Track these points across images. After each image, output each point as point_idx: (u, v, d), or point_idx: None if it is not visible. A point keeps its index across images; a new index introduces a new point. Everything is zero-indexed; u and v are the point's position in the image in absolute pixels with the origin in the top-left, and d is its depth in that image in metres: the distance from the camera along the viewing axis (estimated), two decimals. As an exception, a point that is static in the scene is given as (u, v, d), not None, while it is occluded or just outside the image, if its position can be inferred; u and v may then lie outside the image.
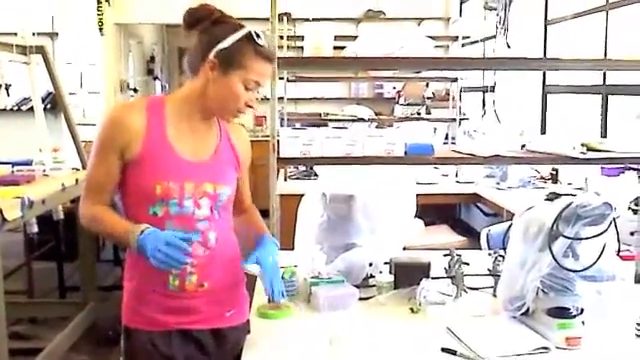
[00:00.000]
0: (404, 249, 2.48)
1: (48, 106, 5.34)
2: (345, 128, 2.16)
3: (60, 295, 4.71)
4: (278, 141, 2.17)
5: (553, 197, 1.99)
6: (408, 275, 2.25)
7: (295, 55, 6.12)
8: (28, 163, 4.10)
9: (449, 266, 2.38)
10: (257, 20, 7.96)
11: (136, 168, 1.79)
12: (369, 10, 8.32)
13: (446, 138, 5.61)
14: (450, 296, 2.16)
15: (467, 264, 2.31)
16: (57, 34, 8.14)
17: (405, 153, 2.18)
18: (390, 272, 2.31)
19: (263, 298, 2.11)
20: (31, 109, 7.04)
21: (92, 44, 8.05)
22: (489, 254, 2.42)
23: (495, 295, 2.25)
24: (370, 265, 2.35)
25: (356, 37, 3.90)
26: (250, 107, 1.81)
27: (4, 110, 7.71)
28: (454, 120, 5.47)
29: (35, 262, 4.76)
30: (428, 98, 7.26)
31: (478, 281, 2.36)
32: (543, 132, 5.46)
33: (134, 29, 9.16)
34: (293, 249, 2.51)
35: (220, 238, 1.87)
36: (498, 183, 4.78)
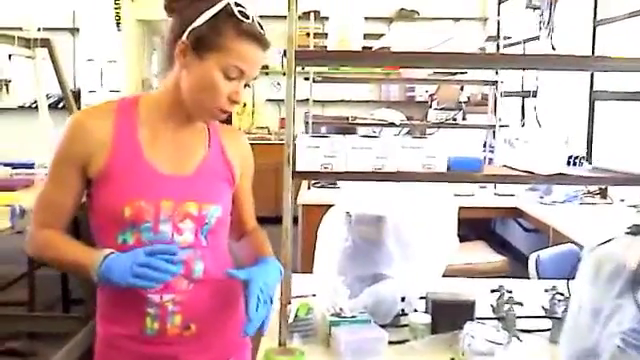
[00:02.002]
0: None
1: (62, 104, 5.04)
2: (375, 137, 1.78)
3: (64, 308, 4.38)
4: (294, 148, 1.79)
5: (636, 231, 1.59)
6: (449, 316, 1.87)
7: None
8: (30, 165, 3.80)
9: (497, 305, 1.99)
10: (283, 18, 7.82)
11: (102, 185, 1.45)
12: (402, 9, 7.92)
13: (484, 146, 5.20)
14: (500, 344, 1.77)
15: (520, 304, 1.92)
16: (78, 30, 7.88)
17: (448, 168, 1.79)
18: (427, 311, 1.93)
19: (271, 340, 1.76)
20: (50, 106, 6.85)
21: (113, 41, 7.76)
22: (546, 290, 2.02)
23: (554, 341, 1.86)
24: (402, 300, 1.97)
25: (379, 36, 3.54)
26: (234, 103, 1.45)
27: (17, 108, 7.59)
28: (493, 127, 5.05)
29: (40, 270, 4.43)
30: (463, 102, 6.85)
31: (532, 321, 1.97)
32: (590, 142, 5.02)
33: (158, 26, 8.85)
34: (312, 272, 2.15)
35: (209, 269, 1.52)
36: (541, 197, 4.36)
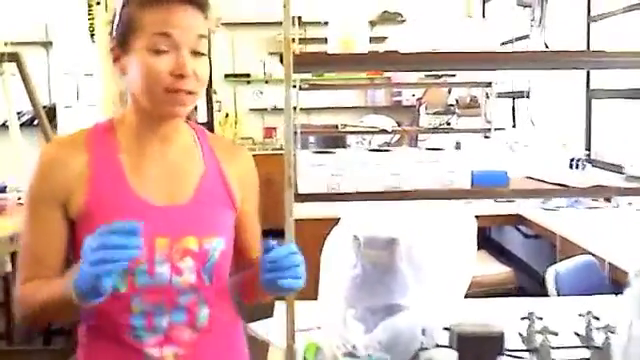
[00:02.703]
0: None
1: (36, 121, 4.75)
2: (387, 150, 1.56)
3: (44, 341, 4.10)
4: (295, 163, 1.56)
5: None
6: (476, 349, 1.66)
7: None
8: (2, 189, 3.54)
9: (528, 334, 1.78)
10: (270, 25, 7.61)
11: (85, 227, 1.22)
12: (385, 12, 7.72)
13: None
14: (537, 383, 1.56)
15: (555, 334, 1.70)
16: (51, 43, 7.60)
17: (471, 184, 1.57)
18: (451, 345, 1.71)
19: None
20: (24, 124, 6.57)
21: (89, 53, 7.49)
22: (580, 315, 1.80)
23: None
24: (423, 333, 1.75)
25: (373, 39, 3.33)
26: (181, 77, 1.21)
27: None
28: (487, 130, 4.85)
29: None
30: (450, 105, 6.65)
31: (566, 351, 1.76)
32: (588, 143, 4.84)
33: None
34: (316, 299, 1.92)
35: (215, 314, 1.30)
36: (543, 202, 4.16)
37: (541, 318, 1.79)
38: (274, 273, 1.21)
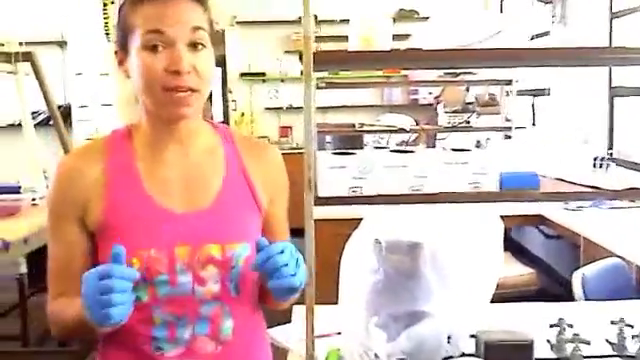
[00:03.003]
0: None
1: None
2: (411, 151, 1.49)
3: (59, 343, 4.07)
4: (315, 165, 1.49)
5: None
6: (504, 358, 1.59)
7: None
8: (16, 189, 3.50)
9: (558, 342, 1.71)
10: (286, 23, 7.55)
11: (104, 238, 1.19)
12: (401, 9, 7.64)
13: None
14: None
15: (588, 343, 1.63)
16: (66, 43, 7.58)
17: (500, 187, 1.50)
18: (477, 353, 1.65)
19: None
20: (40, 124, 6.57)
21: (104, 53, 7.47)
22: (612, 322, 1.73)
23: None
24: (448, 341, 1.68)
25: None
26: (176, 73, 1.15)
27: (6, 126, 7.31)
28: (508, 129, 4.76)
29: (36, 297, 4.12)
30: (468, 104, 6.56)
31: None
32: (611, 142, 4.74)
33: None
34: (336, 303, 1.86)
35: (240, 325, 1.24)
36: (566, 202, 4.07)
37: (571, 325, 1.72)
38: (264, 276, 1.15)
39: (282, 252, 1.13)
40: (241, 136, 1.36)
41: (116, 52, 1.23)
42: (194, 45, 1.18)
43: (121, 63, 1.23)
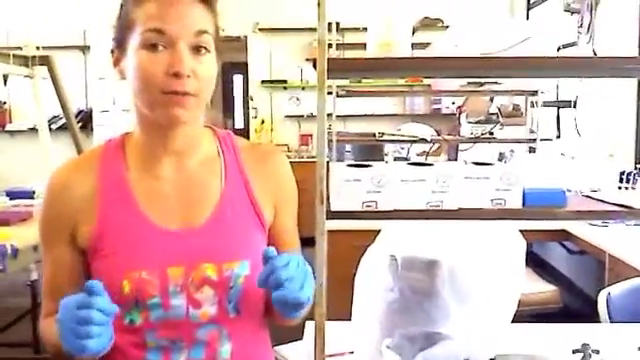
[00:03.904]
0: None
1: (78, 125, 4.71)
2: (429, 164, 1.40)
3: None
4: (329, 176, 1.42)
5: None
6: (525, 386, 1.49)
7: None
8: (30, 194, 3.47)
9: (583, 369, 1.61)
10: (307, 30, 7.50)
11: (95, 257, 1.12)
12: (425, 17, 7.55)
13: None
14: None
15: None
16: (88, 47, 7.59)
17: (523, 204, 1.41)
18: (496, 380, 1.56)
19: None
20: (60, 128, 6.57)
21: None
22: (639, 349, 1.63)
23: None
24: (465, 365, 1.59)
25: (414, 45, 3.15)
26: (176, 76, 1.08)
27: (26, 130, 7.33)
28: (533, 141, 4.64)
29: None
30: (492, 114, 6.44)
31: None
32: (638, 156, 4.61)
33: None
34: (349, 319, 1.77)
35: (239, 349, 1.17)
36: (591, 217, 3.96)
37: (597, 351, 1.62)
38: (268, 292, 1.06)
39: (287, 265, 1.05)
40: (244, 143, 1.28)
41: (112, 51, 1.16)
42: (197, 49, 1.11)
43: (117, 63, 1.16)
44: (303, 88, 7.95)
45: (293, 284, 1.04)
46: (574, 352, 1.63)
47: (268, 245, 1.24)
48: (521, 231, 3.80)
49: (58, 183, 1.16)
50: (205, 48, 1.12)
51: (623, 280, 2.59)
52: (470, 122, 5.53)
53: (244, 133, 7.96)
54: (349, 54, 6.53)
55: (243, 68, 8.19)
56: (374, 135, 4.59)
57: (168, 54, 1.08)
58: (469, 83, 5.22)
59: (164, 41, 1.08)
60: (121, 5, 1.15)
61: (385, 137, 4.65)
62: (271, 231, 1.27)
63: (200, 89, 1.11)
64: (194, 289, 1.12)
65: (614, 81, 4.53)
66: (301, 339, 1.96)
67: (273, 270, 1.04)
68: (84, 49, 7.67)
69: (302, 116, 7.96)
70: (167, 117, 1.10)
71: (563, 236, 4.04)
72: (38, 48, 3.54)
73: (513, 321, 1.76)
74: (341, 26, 7.09)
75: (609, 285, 2.56)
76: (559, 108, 5.88)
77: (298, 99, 8.01)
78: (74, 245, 1.15)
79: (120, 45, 1.14)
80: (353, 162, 1.46)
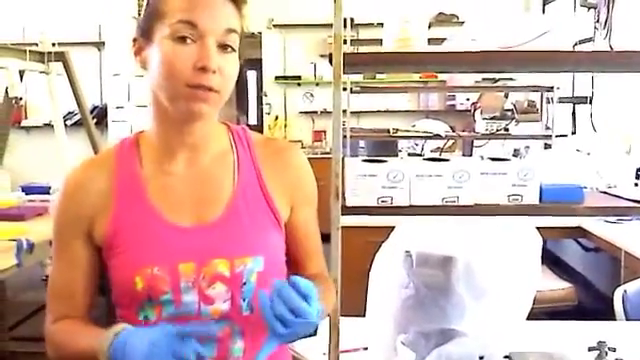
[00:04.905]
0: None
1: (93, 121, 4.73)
2: (445, 160, 1.40)
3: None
4: (344, 172, 1.41)
5: None
6: (541, 383, 1.48)
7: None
8: (46, 190, 3.48)
9: (599, 367, 1.60)
10: (321, 26, 7.49)
11: (111, 254, 1.12)
12: (440, 13, 7.52)
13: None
14: None
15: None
16: (104, 44, 7.62)
17: (540, 199, 1.40)
18: (512, 377, 1.55)
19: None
20: (75, 124, 6.60)
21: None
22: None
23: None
24: (480, 362, 1.58)
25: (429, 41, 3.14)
26: (203, 70, 1.07)
27: (42, 126, 7.37)
28: (548, 137, 4.61)
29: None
30: (507, 110, 6.41)
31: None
32: (655, 152, 4.58)
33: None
34: (364, 315, 1.77)
35: (252, 346, 1.15)
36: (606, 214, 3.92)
37: (614, 349, 1.61)
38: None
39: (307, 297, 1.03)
40: (259, 139, 1.28)
41: (135, 39, 1.16)
42: (224, 46, 1.11)
43: (139, 52, 1.15)
44: (317, 84, 7.94)
45: (278, 327, 1.02)
46: (590, 350, 1.61)
47: (286, 242, 1.24)
48: (545, 228, 3.82)
49: (74, 182, 1.16)
50: (231, 47, 1.11)
51: (639, 277, 2.57)
52: (485, 118, 5.50)
53: (258, 129, 7.94)
54: (363, 50, 6.54)
55: (257, 64, 8.19)
56: (388, 131, 4.57)
57: (196, 48, 1.08)
58: (484, 79, 5.19)
59: (194, 34, 1.08)
60: None
61: (399, 133, 4.63)
62: (288, 227, 1.25)
63: (223, 86, 1.10)
64: (206, 285, 1.12)
65: (630, 76, 4.49)
66: (315, 335, 1.95)
67: (264, 308, 1.02)
68: (99, 45, 7.70)
69: (316, 112, 7.95)
70: (188, 110, 1.10)
71: (578, 233, 4.02)
72: (54, 44, 3.55)
73: (528, 318, 1.75)
74: (355, 22, 7.07)
75: (625, 282, 2.53)
76: (575, 104, 5.84)
77: (312, 95, 8.00)
78: (90, 243, 1.15)
79: (145, 34, 1.13)
80: (368, 158, 1.45)
